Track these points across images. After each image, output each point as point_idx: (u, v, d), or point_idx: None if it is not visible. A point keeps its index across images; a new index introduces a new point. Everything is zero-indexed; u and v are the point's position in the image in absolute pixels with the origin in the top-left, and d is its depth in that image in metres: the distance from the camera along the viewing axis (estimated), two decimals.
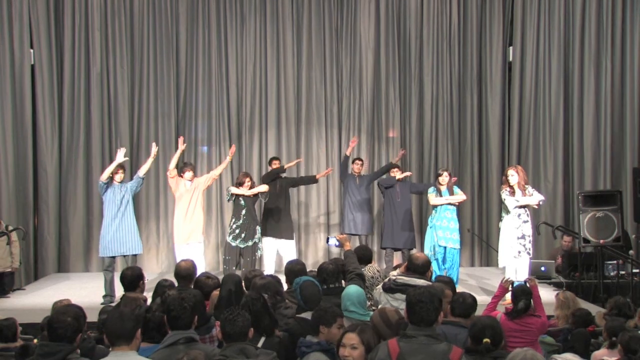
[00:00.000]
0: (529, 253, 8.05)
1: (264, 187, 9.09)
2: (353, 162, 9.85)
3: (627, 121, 11.16)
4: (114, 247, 8.24)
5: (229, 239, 8.98)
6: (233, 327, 3.60)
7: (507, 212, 8.07)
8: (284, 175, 9.56)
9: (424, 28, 11.30)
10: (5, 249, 9.23)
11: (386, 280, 5.28)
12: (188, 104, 11.11)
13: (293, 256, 9.16)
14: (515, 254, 8.01)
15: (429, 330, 3.59)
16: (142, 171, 8.59)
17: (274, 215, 9.32)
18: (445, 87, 11.30)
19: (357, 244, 8.51)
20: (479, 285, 9.23)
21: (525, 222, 8.02)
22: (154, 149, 8.69)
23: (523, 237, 8.01)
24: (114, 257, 8.36)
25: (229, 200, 9.15)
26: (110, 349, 3.54)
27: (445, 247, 8.46)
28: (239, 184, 8.97)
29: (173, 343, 3.73)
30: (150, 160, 8.68)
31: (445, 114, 11.29)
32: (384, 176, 9.70)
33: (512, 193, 8.00)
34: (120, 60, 10.90)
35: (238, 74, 11.14)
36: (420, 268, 5.11)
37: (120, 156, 8.39)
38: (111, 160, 10.68)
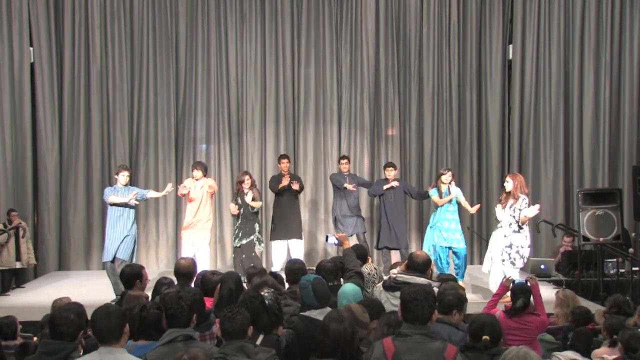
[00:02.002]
0: (513, 263, 7.87)
1: (258, 204, 9.15)
2: (339, 160, 9.88)
3: (626, 119, 11.15)
4: (126, 251, 8.29)
5: (232, 242, 9.33)
6: (232, 324, 3.60)
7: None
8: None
9: (424, 26, 11.29)
10: (25, 244, 9.54)
11: (386, 278, 5.28)
12: (188, 102, 11.11)
13: (300, 256, 9.31)
14: (500, 261, 7.97)
15: (424, 328, 3.59)
16: (150, 194, 8.69)
17: (283, 216, 9.55)
18: (444, 85, 11.29)
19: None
20: (478, 284, 9.21)
21: (515, 232, 7.88)
22: (168, 187, 8.82)
23: (510, 246, 7.89)
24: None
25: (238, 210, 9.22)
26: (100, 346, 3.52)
27: (450, 248, 8.50)
28: (239, 182, 9.14)
29: (171, 340, 3.73)
30: (159, 194, 8.89)
31: (445, 112, 11.28)
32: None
33: (506, 199, 7.93)
34: (120, 58, 10.90)
35: (238, 72, 11.14)
36: (420, 266, 5.10)
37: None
38: (110, 159, 10.77)
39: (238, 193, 9.19)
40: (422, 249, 8.66)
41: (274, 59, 11.15)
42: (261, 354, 3.59)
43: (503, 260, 7.93)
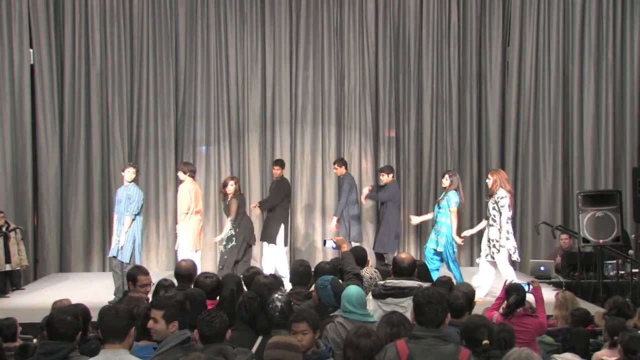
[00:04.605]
0: (492, 258, 8.00)
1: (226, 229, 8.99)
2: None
3: (626, 121, 11.16)
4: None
5: None
6: (210, 328, 3.63)
7: None
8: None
9: (423, 28, 11.28)
10: (15, 246, 9.46)
11: (374, 287, 5.24)
12: (187, 104, 11.11)
13: (270, 261, 9.39)
14: (484, 257, 8.16)
15: (437, 331, 3.62)
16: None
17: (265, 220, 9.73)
18: (444, 87, 11.28)
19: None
20: (476, 285, 9.18)
21: (491, 225, 8.05)
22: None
23: (488, 240, 8.07)
24: None
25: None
26: (102, 347, 3.53)
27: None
28: (224, 185, 9.00)
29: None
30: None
31: (445, 114, 11.27)
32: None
33: (490, 197, 8.17)
34: (120, 60, 10.89)
35: (237, 74, 11.13)
36: (406, 270, 5.08)
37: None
38: (110, 161, 10.75)
39: (224, 199, 9.05)
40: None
41: (273, 61, 11.14)
42: (240, 355, 3.61)
43: (486, 255, 8.11)
